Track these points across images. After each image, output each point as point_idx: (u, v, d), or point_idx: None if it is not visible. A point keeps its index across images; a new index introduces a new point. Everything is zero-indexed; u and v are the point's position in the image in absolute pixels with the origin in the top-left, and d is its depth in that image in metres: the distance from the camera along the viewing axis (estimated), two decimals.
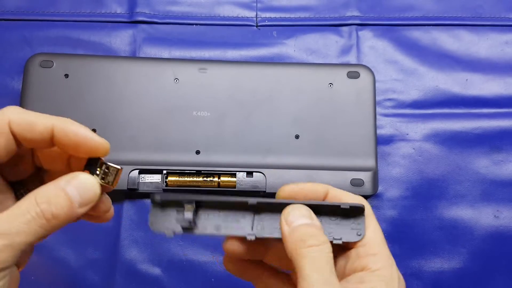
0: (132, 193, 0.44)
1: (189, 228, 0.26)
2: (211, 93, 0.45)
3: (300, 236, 0.24)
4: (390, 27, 0.51)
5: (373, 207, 0.46)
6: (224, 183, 0.43)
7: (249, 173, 0.44)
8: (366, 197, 0.44)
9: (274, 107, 0.45)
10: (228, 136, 0.44)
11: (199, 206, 0.27)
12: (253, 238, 0.26)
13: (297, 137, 0.45)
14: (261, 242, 0.28)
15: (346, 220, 0.26)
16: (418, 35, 0.51)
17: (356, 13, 0.51)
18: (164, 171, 0.43)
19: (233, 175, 0.43)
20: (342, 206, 0.26)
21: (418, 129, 0.48)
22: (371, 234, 0.26)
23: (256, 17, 0.51)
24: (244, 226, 0.26)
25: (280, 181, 0.43)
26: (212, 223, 0.26)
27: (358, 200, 0.27)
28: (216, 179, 0.43)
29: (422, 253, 0.45)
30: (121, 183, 0.42)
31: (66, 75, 0.45)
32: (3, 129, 0.22)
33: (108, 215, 0.26)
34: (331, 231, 0.26)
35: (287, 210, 0.25)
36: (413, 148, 0.47)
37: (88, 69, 0.45)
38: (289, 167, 0.44)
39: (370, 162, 0.44)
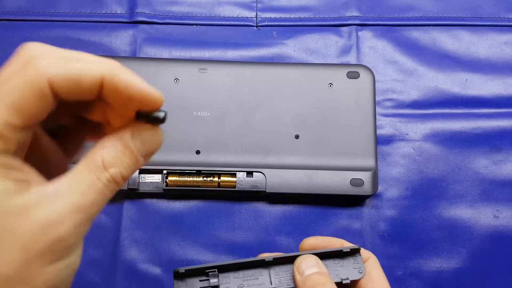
0: (132, 193, 0.44)
1: None
2: (211, 93, 0.45)
3: (311, 285, 0.28)
4: (389, 27, 0.51)
5: (373, 207, 0.46)
6: (224, 183, 0.43)
7: (249, 173, 0.44)
8: (365, 197, 0.44)
9: (274, 107, 0.45)
10: (228, 136, 0.44)
11: (219, 271, 0.29)
12: None
13: (297, 137, 0.45)
14: None
15: (348, 261, 0.31)
16: (417, 35, 0.51)
17: (356, 13, 0.52)
18: (164, 171, 0.43)
19: (233, 175, 0.44)
20: (344, 250, 0.31)
21: (417, 129, 0.48)
22: (379, 284, 0.30)
23: (256, 17, 0.52)
24: (263, 281, 0.30)
25: (280, 181, 0.43)
26: (234, 284, 0.29)
27: (367, 253, 0.32)
28: (216, 179, 0.43)
29: (422, 253, 0.45)
30: None
31: None
32: (42, 92, 0.18)
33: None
34: (338, 273, 0.30)
35: (298, 261, 0.29)
36: (413, 148, 0.47)
37: None
38: (289, 167, 0.44)
39: (370, 162, 0.44)
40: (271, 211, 0.45)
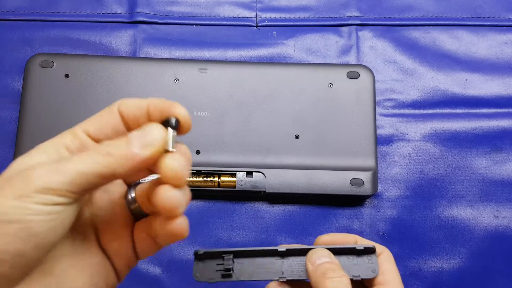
0: None
1: (227, 275, 0.30)
2: (211, 93, 0.45)
3: (322, 271, 0.29)
4: (389, 27, 0.51)
5: (373, 207, 0.46)
6: (224, 183, 0.43)
7: (249, 173, 0.44)
8: (365, 197, 0.44)
9: (274, 107, 0.45)
10: (228, 136, 0.44)
11: (235, 256, 0.31)
12: (284, 280, 0.30)
13: (297, 137, 0.45)
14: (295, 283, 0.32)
15: (362, 259, 0.31)
16: (417, 35, 0.51)
17: (356, 13, 0.52)
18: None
19: (233, 175, 0.44)
20: (357, 248, 0.31)
21: (417, 129, 0.48)
22: (390, 277, 0.30)
23: (256, 17, 0.52)
24: (276, 270, 0.31)
25: (280, 181, 0.43)
26: (246, 271, 0.31)
27: (381, 248, 0.31)
28: (216, 179, 0.43)
29: (422, 253, 0.45)
30: None
31: (67, 75, 0.45)
32: (112, 109, 0.24)
33: (179, 226, 0.25)
34: (350, 270, 0.30)
35: (310, 253, 0.30)
36: (413, 148, 0.47)
37: (89, 69, 0.45)
38: (289, 167, 0.44)
39: (370, 162, 0.44)
40: (271, 211, 0.45)
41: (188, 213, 0.45)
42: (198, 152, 0.44)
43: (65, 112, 0.44)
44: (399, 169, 0.47)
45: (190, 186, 0.43)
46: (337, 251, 0.31)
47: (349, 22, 0.51)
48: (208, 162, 0.44)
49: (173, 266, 0.44)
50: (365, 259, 0.31)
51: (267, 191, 0.43)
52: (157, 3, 0.51)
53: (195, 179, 0.43)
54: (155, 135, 0.23)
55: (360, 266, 0.31)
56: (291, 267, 0.31)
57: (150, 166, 0.23)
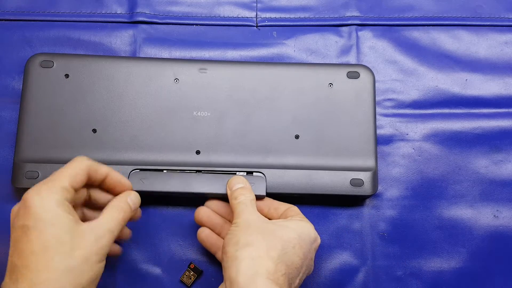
0: None
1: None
2: (211, 93, 0.45)
3: (235, 195, 0.40)
4: (389, 27, 0.51)
5: (373, 207, 0.46)
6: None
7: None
8: (365, 197, 0.44)
9: (274, 107, 0.45)
10: (228, 136, 0.44)
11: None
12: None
13: (297, 137, 0.45)
14: (223, 214, 0.42)
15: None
16: (417, 35, 0.51)
17: (356, 13, 0.52)
18: (165, 171, 0.43)
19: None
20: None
21: (417, 129, 0.48)
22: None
23: (256, 17, 0.52)
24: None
25: (280, 181, 0.43)
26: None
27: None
28: None
29: (422, 253, 0.45)
30: None
31: (67, 75, 0.45)
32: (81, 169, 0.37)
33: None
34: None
35: (229, 180, 0.41)
36: (413, 148, 0.47)
37: (89, 69, 0.45)
38: (289, 167, 0.44)
39: (370, 162, 0.44)
40: None
41: (188, 213, 0.45)
42: (198, 152, 0.44)
43: (65, 112, 0.44)
44: (399, 169, 0.47)
45: None
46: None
47: (349, 22, 0.51)
48: (208, 162, 0.44)
49: (173, 266, 0.44)
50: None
51: (267, 191, 0.43)
52: (157, 3, 0.51)
53: None
54: (138, 200, 0.39)
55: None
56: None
57: None
